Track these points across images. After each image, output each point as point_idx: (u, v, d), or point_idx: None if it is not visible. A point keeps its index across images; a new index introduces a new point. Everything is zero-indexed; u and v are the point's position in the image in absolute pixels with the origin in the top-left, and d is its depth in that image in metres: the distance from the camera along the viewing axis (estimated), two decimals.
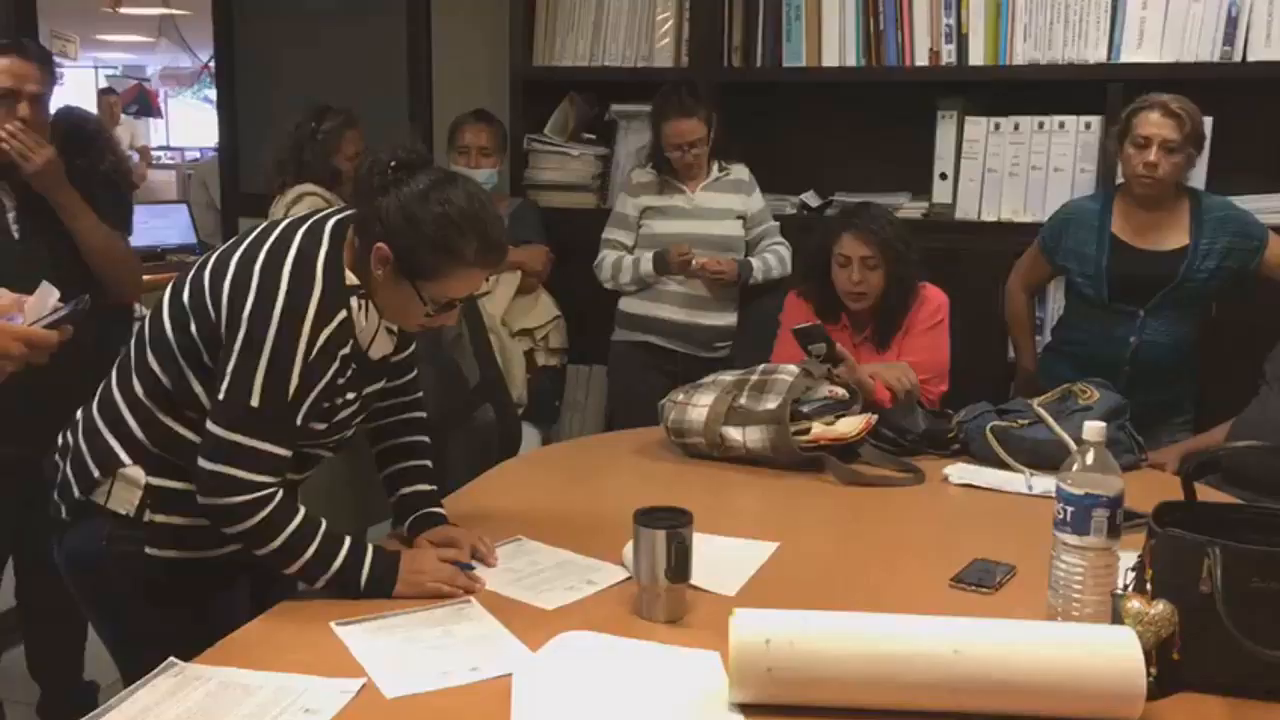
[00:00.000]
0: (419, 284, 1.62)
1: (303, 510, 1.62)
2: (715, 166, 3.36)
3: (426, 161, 1.66)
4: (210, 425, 1.57)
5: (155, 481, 1.67)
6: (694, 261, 3.23)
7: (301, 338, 1.56)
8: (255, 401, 1.55)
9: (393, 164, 1.61)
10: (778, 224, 3.44)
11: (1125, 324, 2.81)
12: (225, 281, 1.60)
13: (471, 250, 1.61)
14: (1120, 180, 2.87)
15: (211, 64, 4.76)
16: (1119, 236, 2.82)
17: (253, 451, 1.56)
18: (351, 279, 1.63)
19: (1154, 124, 2.70)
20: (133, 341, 1.72)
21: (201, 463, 1.58)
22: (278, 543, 1.59)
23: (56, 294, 1.57)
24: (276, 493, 1.59)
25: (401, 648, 1.48)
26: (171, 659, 1.41)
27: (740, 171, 3.40)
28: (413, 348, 1.88)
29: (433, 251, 1.60)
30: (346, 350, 1.64)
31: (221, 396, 1.57)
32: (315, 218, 1.68)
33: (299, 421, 1.60)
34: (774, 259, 3.36)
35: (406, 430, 1.93)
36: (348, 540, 1.64)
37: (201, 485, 1.58)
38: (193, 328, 1.62)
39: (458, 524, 1.85)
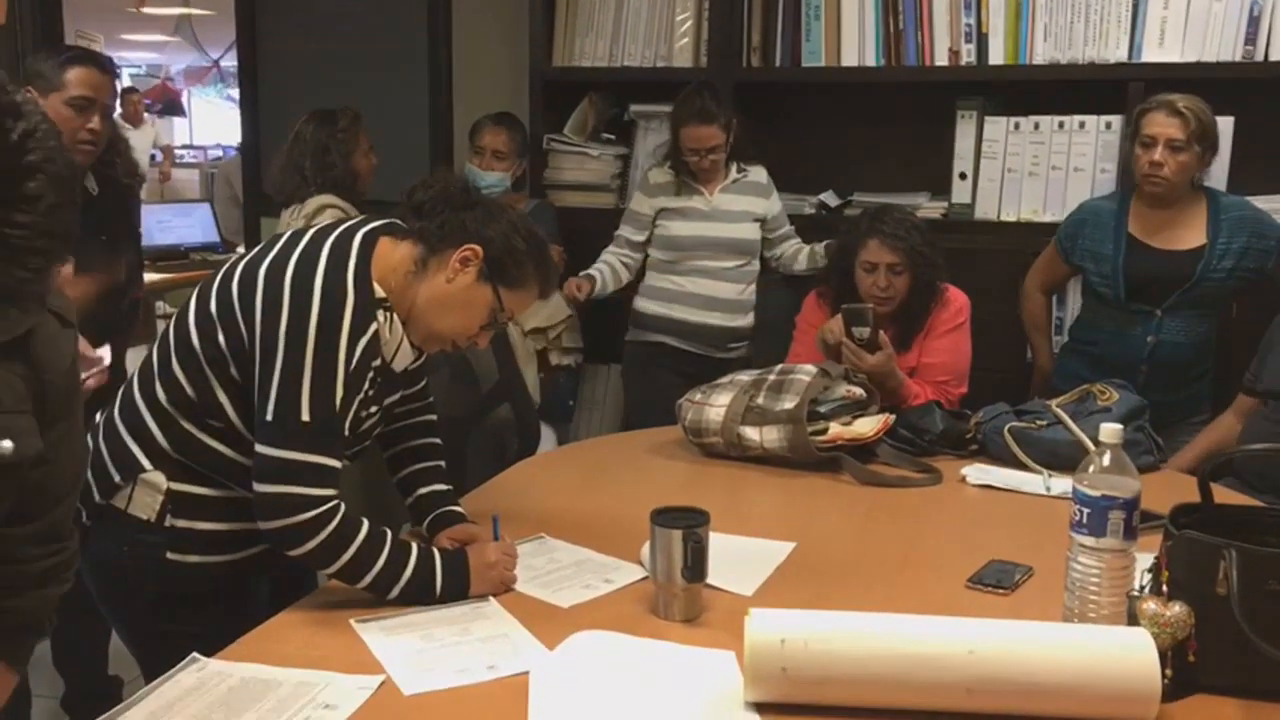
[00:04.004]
0: (501, 289, 1.69)
1: (366, 522, 1.60)
2: (734, 168, 3.36)
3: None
4: (262, 448, 1.57)
5: (176, 487, 1.67)
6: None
7: (340, 349, 1.57)
8: (306, 416, 1.55)
9: (462, 188, 1.74)
10: (793, 225, 3.44)
11: (1142, 323, 2.80)
12: (256, 295, 1.59)
13: (546, 267, 1.77)
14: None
15: (222, 63, 4.81)
16: (1135, 236, 2.82)
17: (310, 466, 1.56)
18: (379, 291, 1.64)
19: (1159, 124, 2.70)
20: (156, 346, 1.72)
21: (259, 487, 1.56)
22: (347, 556, 1.57)
23: (108, 359, 1.61)
24: (339, 506, 1.58)
25: (419, 645, 1.50)
26: (195, 654, 1.43)
27: (758, 174, 3.40)
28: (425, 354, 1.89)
29: (527, 260, 1.72)
30: (377, 362, 1.66)
31: (270, 417, 1.56)
32: (343, 228, 1.68)
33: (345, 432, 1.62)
34: (808, 252, 3.38)
35: (418, 433, 1.94)
36: (415, 547, 1.63)
37: (262, 509, 1.57)
38: (221, 339, 1.62)
39: (476, 521, 1.86)
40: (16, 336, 1.13)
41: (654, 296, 3.39)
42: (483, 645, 1.50)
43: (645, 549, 1.68)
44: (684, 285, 3.33)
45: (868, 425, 2.37)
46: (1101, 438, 1.48)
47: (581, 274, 3.35)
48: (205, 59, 11.76)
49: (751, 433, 2.35)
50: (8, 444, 1.13)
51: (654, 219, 3.37)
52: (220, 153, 11.79)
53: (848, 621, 1.37)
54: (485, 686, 1.40)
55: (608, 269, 3.39)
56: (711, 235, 3.31)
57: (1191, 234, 2.78)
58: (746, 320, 3.39)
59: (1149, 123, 2.72)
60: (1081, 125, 3.27)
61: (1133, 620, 1.38)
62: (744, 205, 3.34)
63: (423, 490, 1.90)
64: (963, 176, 3.43)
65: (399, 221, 1.72)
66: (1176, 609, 1.36)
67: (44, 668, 2.86)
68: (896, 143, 3.63)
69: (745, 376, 2.48)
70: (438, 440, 1.96)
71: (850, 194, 3.62)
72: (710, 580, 1.62)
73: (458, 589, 1.64)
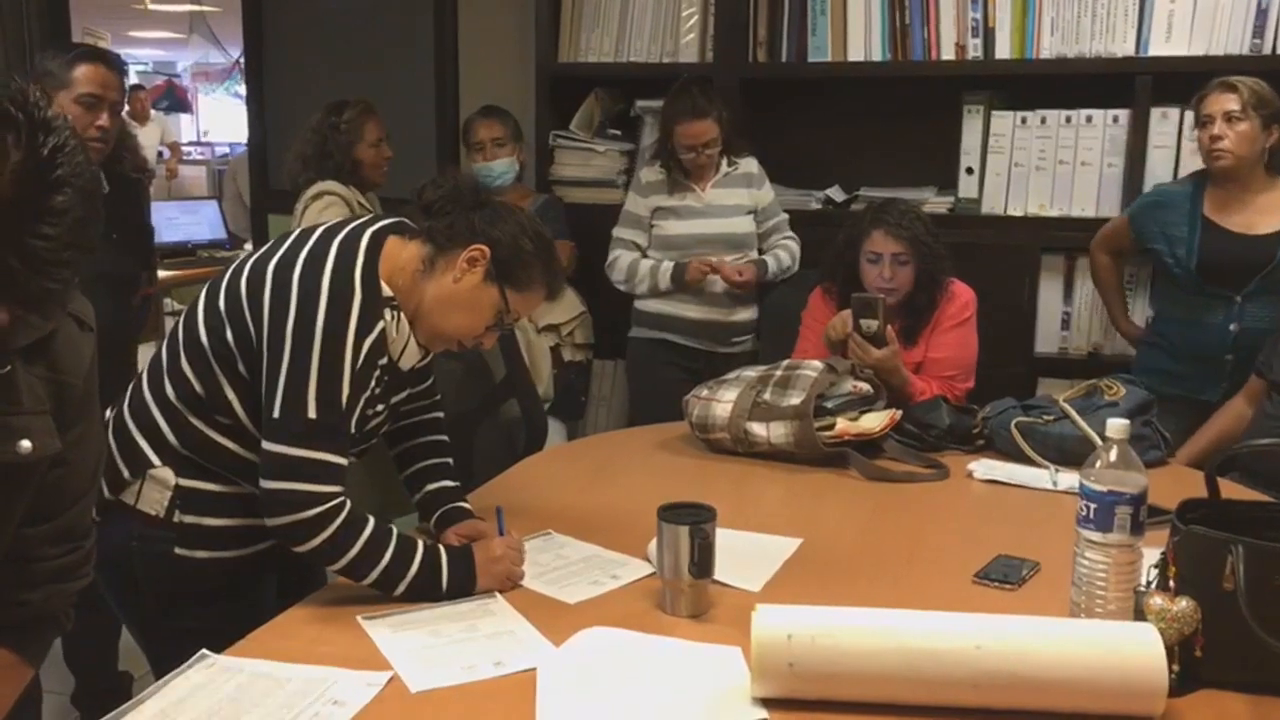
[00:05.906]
0: (507, 290, 1.69)
1: (371, 519, 1.61)
2: (724, 161, 3.33)
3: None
4: (269, 445, 1.57)
5: (185, 483, 1.68)
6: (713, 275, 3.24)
7: (347, 347, 1.57)
8: (313, 413, 1.55)
9: (472, 188, 1.74)
10: (787, 216, 3.43)
11: (1223, 310, 2.81)
12: (264, 292, 1.60)
13: (553, 270, 1.77)
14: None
15: (242, 60, 4.82)
16: (1211, 219, 2.83)
17: (316, 464, 1.56)
18: (386, 290, 1.65)
19: (1214, 100, 2.77)
20: (165, 344, 1.73)
21: (265, 484, 1.57)
22: (353, 553, 1.58)
23: None
24: (345, 503, 1.59)
25: (426, 642, 1.50)
26: (204, 651, 1.44)
27: (749, 164, 3.38)
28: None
29: (534, 261, 1.71)
30: (384, 361, 1.66)
31: (277, 414, 1.56)
32: (351, 227, 1.69)
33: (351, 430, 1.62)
34: (786, 255, 3.36)
35: (425, 431, 1.95)
36: (420, 543, 1.64)
37: (268, 506, 1.57)
38: (229, 335, 1.63)
39: (483, 518, 1.86)
40: (38, 339, 1.14)
41: (654, 294, 3.38)
42: (490, 642, 1.51)
43: (652, 545, 1.68)
44: None
45: (875, 420, 2.37)
46: (1108, 433, 1.48)
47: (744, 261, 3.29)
48: (225, 57, 11.76)
49: (758, 428, 2.35)
50: (26, 444, 1.14)
51: (650, 218, 3.36)
52: (227, 150, 11.81)
53: (854, 617, 1.37)
54: (492, 683, 1.40)
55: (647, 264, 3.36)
56: (707, 232, 3.30)
57: (1269, 219, 2.80)
58: (749, 313, 3.38)
59: (1205, 104, 2.79)
60: (1088, 119, 3.27)
61: (1139, 615, 1.39)
62: (737, 199, 3.33)
63: (430, 487, 1.91)
64: (969, 171, 3.42)
65: (407, 221, 1.73)
66: (1183, 604, 1.36)
67: (54, 664, 2.87)
68: (903, 137, 3.62)
69: (752, 372, 2.48)
70: (445, 437, 1.97)
71: (856, 189, 3.62)
72: (717, 576, 1.62)
73: (463, 585, 1.64)
